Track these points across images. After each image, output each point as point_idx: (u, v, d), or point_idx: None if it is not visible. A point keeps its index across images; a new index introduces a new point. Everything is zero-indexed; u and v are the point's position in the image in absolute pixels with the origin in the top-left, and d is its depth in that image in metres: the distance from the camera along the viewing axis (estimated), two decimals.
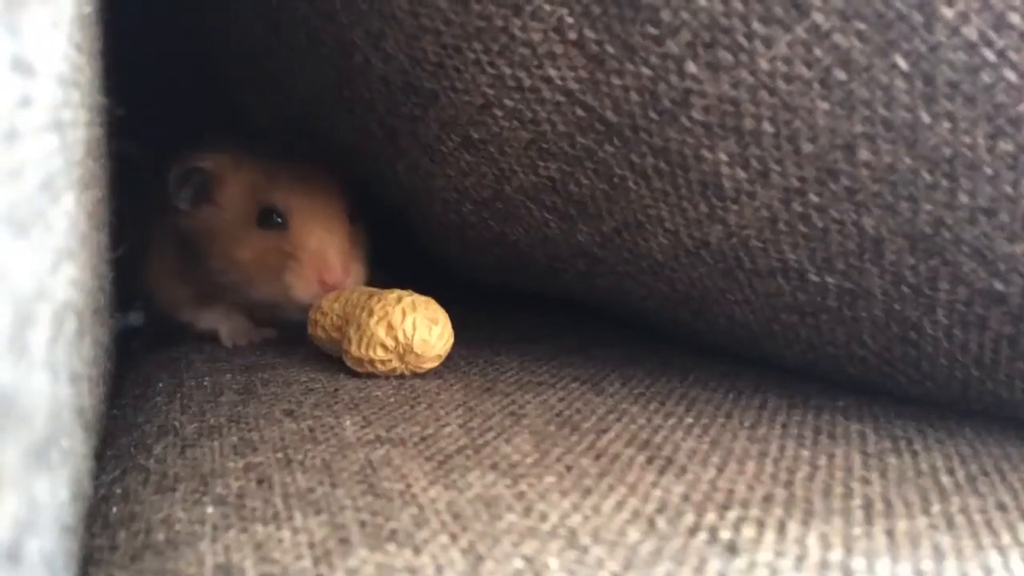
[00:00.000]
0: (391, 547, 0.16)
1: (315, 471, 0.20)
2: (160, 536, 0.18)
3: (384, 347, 0.28)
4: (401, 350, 0.28)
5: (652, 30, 0.21)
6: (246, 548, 0.17)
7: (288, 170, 0.34)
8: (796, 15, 0.20)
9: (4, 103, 0.12)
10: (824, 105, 0.20)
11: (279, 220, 0.33)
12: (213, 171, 0.34)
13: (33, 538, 0.11)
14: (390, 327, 0.28)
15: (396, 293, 0.29)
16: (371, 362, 0.28)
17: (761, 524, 0.18)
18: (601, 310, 0.36)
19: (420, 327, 0.28)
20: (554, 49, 0.23)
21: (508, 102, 0.25)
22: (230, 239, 0.33)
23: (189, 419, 0.25)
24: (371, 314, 0.28)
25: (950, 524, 0.18)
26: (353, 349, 0.28)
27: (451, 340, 0.29)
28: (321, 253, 0.32)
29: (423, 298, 0.29)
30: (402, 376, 0.29)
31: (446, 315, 0.29)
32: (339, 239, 0.33)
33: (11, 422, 0.11)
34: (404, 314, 0.28)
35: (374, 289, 0.30)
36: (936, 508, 0.19)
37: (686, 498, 0.19)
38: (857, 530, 0.18)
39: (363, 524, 0.17)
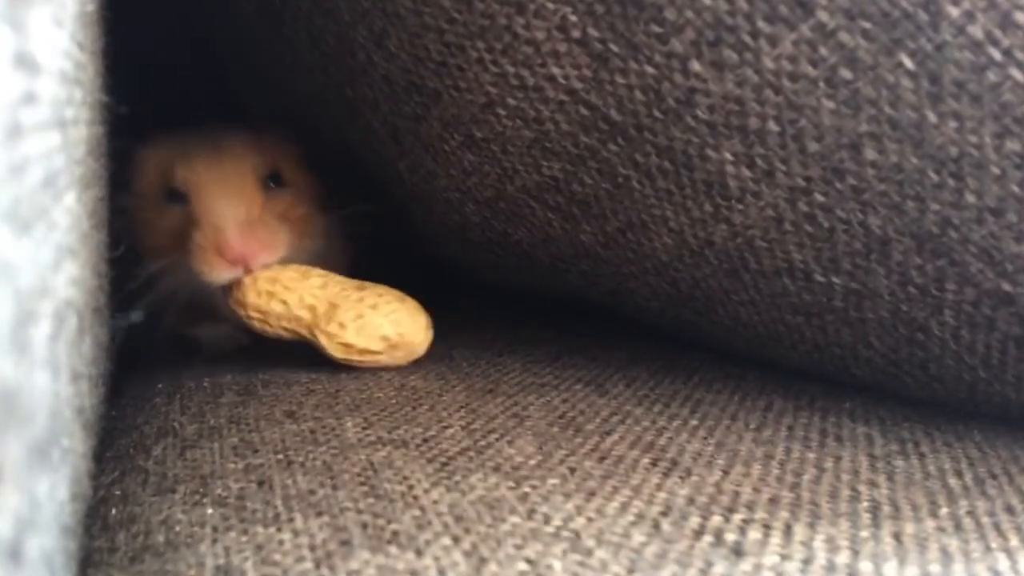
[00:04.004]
0: (393, 549, 0.16)
1: (316, 473, 0.20)
2: (160, 538, 0.18)
3: (385, 339, 0.29)
4: (394, 344, 0.29)
5: (656, 28, 0.21)
6: (247, 550, 0.16)
7: (201, 144, 0.32)
8: (801, 13, 0.20)
9: (8, 99, 0.12)
10: (830, 104, 0.20)
11: (183, 197, 0.31)
12: (128, 155, 0.31)
13: (33, 536, 0.11)
14: (397, 323, 0.29)
15: (393, 291, 0.30)
16: (361, 351, 0.29)
17: (767, 527, 0.18)
18: (605, 311, 0.35)
19: (418, 324, 0.29)
20: (557, 47, 0.23)
21: (511, 101, 0.25)
22: (146, 224, 0.31)
23: (189, 420, 0.25)
24: (376, 307, 0.29)
25: (958, 527, 0.18)
26: (350, 336, 0.29)
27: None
28: (216, 227, 0.29)
29: (409, 298, 0.30)
30: (385, 368, 0.30)
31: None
32: (239, 210, 0.30)
33: (13, 419, 0.11)
34: (411, 313, 0.29)
35: (357, 281, 0.30)
36: (944, 511, 0.19)
37: (691, 500, 0.19)
38: (864, 533, 0.18)
39: (365, 526, 0.17)
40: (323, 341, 0.29)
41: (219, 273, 0.29)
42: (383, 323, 0.29)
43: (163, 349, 0.36)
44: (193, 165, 0.31)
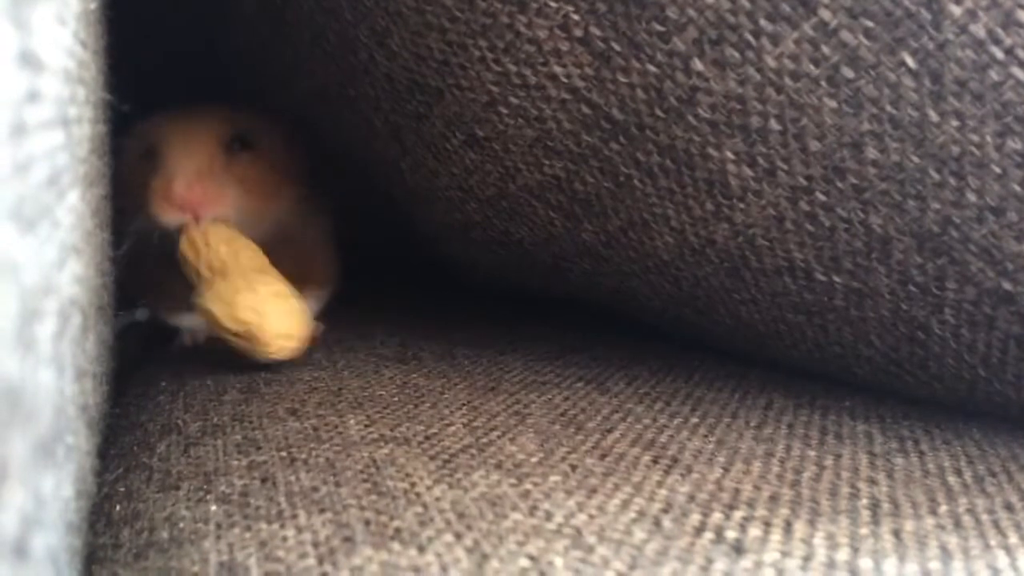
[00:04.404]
0: (395, 546, 0.16)
1: (319, 470, 0.20)
2: (164, 534, 0.18)
3: (240, 323, 0.28)
4: (245, 333, 0.28)
5: (658, 27, 0.21)
6: (250, 546, 0.17)
7: (181, 111, 0.34)
8: (803, 12, 0.20)
9: (12, 97, 0.12)
10: (831, 103, 0.20)
11: (154, 155, 0.33)
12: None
13: (39, 534, 0.11)
14: (257, 314, 0.28)
15: (287, 291, 0.29)
16: (217, 324, 0.28)
17: (767, 524, 0.18)
18: (606, 310, 0.35)
19: (276, 326, 0.28)
20: (560, 46, 0.23)
21: (513, 100, 0.25)
22: (128, 181, 0.33)
23: (192, 417, 0.25)
24: (252, 290, 0.28)
25: (957, 524, 0.18)
26: (211, 303, 0.28)
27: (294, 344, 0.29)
28: (169, 175, 0.32)
29: (297, 306, 0.29)
30: (246, 356, 0.29)
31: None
32: (192, 161, 0.32)
33: (18, 417, 0.11)
34: (279, 314, 0.28)
35: (270, 267, 0.30)
36: (943, 508, 0.19)
37: (692, 498, 0.19)
38: (864, 530, 0.18)
39: (367, 523, 0.17)
40: (197, 299, 0.29)
41: (167, 216, 0.31)
42: (245, 308, 0.28)
43: (143, 334, 0.36)
44: (166, 125, 0.34)
